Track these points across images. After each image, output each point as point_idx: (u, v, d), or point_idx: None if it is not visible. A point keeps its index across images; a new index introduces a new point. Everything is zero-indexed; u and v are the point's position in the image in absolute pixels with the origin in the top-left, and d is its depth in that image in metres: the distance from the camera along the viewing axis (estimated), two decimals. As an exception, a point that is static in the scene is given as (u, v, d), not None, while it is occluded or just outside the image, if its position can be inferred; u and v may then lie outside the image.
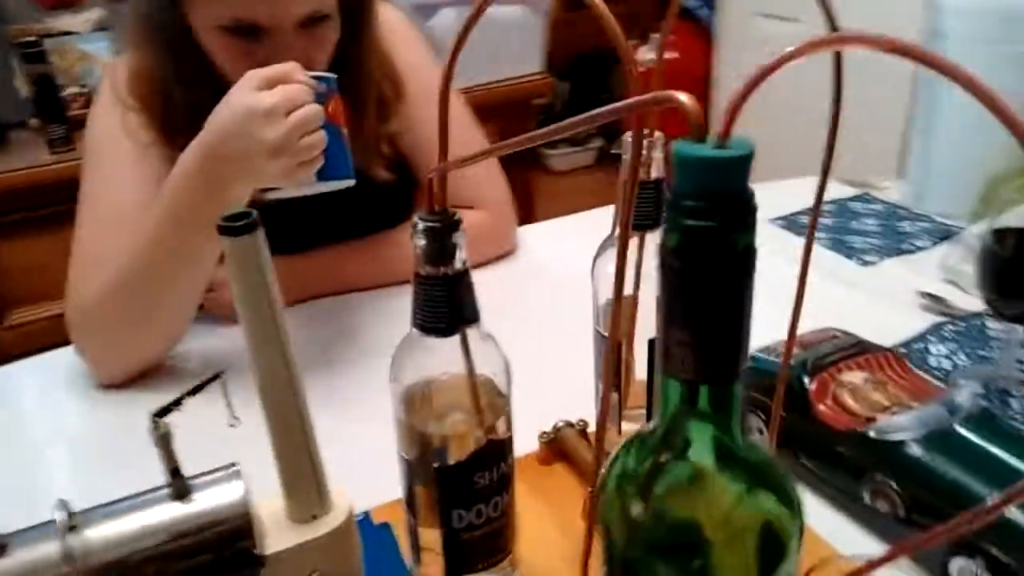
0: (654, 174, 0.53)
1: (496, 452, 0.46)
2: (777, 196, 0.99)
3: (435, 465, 0.45)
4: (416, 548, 0.49)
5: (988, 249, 0.67)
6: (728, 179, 0.25)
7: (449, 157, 1.03)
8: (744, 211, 0.25)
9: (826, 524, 0.55)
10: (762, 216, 0.25)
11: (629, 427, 0.60)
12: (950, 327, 0.80)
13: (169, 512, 0.41)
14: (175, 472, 0.41)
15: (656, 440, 0.30)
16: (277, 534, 0.44)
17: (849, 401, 0.59)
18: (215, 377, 0.43)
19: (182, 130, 0.75)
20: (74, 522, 0.40)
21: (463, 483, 0.46)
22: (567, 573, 0.54)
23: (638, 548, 0.31)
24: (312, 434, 0.45)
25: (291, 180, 0.70)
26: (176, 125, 0.79)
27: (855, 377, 0.60)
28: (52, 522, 0.39)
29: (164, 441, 0.40)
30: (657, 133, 0.52)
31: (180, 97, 0.79)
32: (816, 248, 0.97)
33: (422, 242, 0.42)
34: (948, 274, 0.89)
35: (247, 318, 0.40)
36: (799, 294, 0.41)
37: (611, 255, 0.56)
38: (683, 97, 0.25)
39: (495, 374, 0.45)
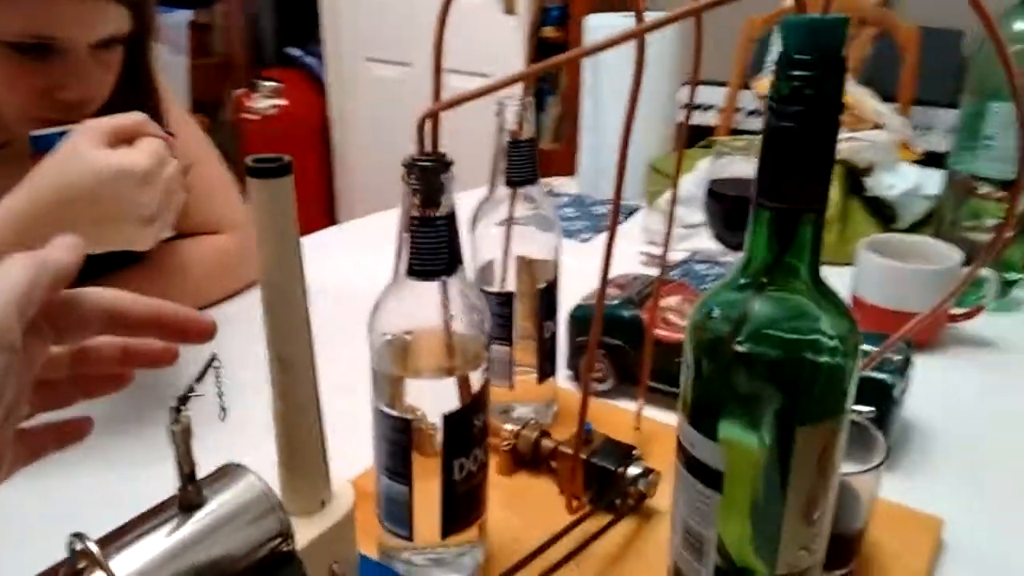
0: (526, 135, 0.58)
1: (486, 393, 0.47)
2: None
3: (444, 413, 0.44)
4: (409, 516, 0.47)
5: (712, 197, 0.85)
6: (830, 38, 0.32)
7: (190, 172, 0.95)
8: (839, 63, 0.33)
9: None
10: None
11: (520, 379, 0.63)
12: (673, 272, 0.98)
13: (196, 524, 0.35)
14: (191, 477, 0.35)
15: (748, 274, 0.36)
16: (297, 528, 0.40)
17: (675, 319, 0.70)
18: (211, 361, 0.37)
19: None
20: (103, 555, 0.32)
21: (465, 429, 0.46)
22: (517, 520, 0.55)
23: (732, 376, 0.36)
24: (321, 409, 0.41)
25: (150, 244, 0.63)
26: None
27: (672, 301, 0.72)
28: (68, 560, 0.31)
29: (184, 438, 0.34)
30: (528, 98, 0.58)
31: None
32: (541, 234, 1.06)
33: (416, 183, 0.42)
34: (651, 236, 1.08)
35: (268, 266, 0.36)
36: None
37: (494, 215, 0.60)
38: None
39: (481, 313, 0.46)
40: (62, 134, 0.61)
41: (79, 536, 0.31)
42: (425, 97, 0.42)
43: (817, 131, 0.33)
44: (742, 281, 0.37)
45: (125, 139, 0.61)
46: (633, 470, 0.55)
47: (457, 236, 0.44)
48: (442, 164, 0.42)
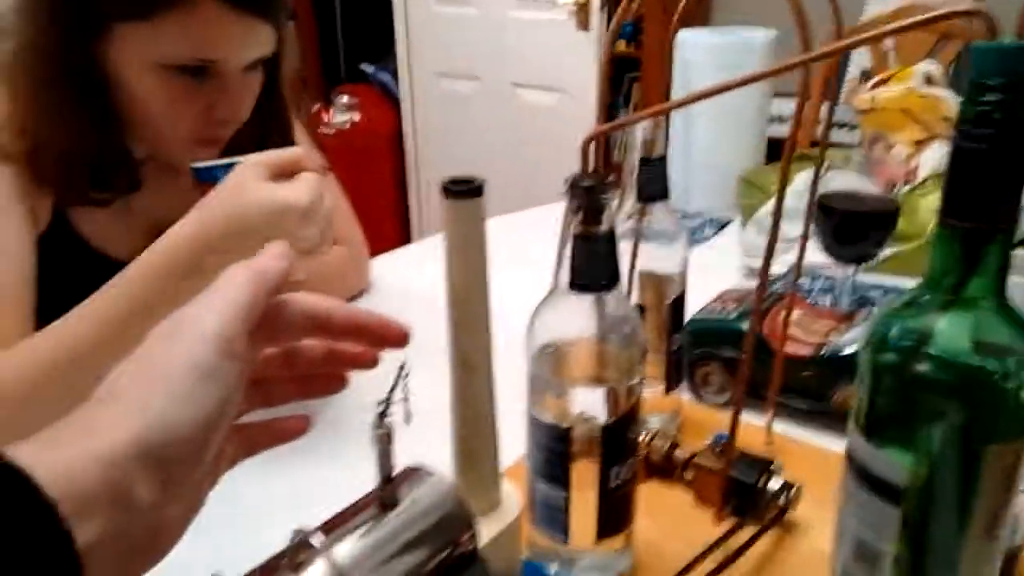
0: (658, 152, 0.60)
1: (640, 404, 0.48)
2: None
3: (603, 423, 0.46)
4: (565, 520, 0.48)
5: (822, 211, 0.85)
6: (1021, 64, 0.33)
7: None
8: (1030, 87, 0.33)
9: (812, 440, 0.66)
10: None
11: (647, 390, 0.64)
12: (776, 285, 0.98)
13: (395, 521, 0.37)
14: (389, 477, 0.37)
15: (931, 291, 0.37)
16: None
17: (800, 334, 0.70)
18: (402, 368, 0.39)
19: (78, 189, 0.65)
20: (327, 543, 0.34)
21: (621, 439, 0.47)
22: (655, 528, 0.56)
23: (915, 394, 0.37)
24: (497, 412, 0.43)
25: (304, 276, 0.66)
26: (74, 183, 0.69)
27: (795, 314, 0.72)
28: (291, 549, 0.33)
29: (384, 442, 0.36)
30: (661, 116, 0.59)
31: (77, 146, 0.69)
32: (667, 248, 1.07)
33: (581, 202, 0.43)
34: (750, 250, 1.08)
35: (458, 276, 0.38)
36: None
37: (619, 229, 0.61)
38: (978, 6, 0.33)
39: (636, 326, 0.47)
40: (225, 166, 0.64)
41: (302, 530, 0.33)
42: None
43: (1006, 154, 0.34)
44: (925, 299, 0.37)
45: (286, 173, 0.63)
46: (774, 483, 0.55)
47: (616, 251, 0.45)
48: (604, 183, 0.43)
